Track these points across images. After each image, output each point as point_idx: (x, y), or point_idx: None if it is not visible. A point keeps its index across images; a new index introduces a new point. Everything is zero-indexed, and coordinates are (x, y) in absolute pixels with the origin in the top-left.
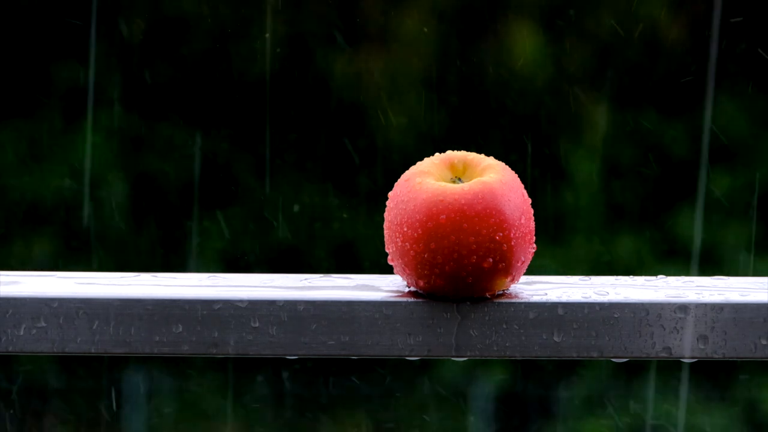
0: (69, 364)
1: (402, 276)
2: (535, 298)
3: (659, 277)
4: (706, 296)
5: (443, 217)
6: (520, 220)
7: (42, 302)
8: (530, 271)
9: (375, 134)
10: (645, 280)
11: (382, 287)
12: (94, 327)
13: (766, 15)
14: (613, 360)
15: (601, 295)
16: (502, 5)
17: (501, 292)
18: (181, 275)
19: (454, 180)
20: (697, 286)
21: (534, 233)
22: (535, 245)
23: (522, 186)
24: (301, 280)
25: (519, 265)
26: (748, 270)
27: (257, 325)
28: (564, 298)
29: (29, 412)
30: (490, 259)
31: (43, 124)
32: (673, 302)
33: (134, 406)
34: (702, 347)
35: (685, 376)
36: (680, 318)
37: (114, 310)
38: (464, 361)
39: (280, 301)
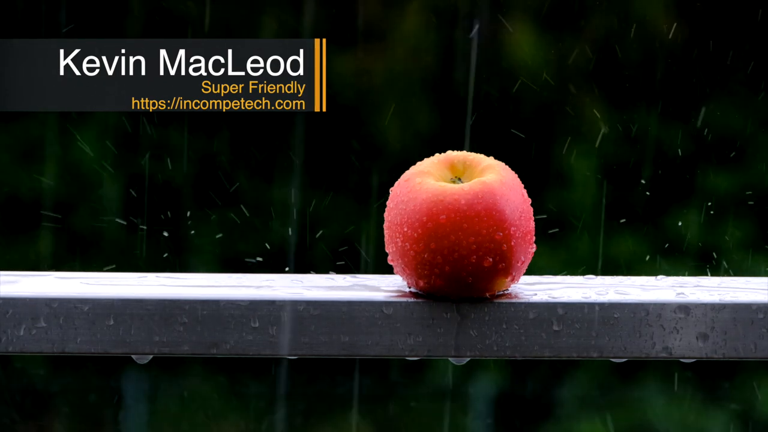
0: (69, 364)
1: (402, 276)
2: (535, 298)
3: (659, 277)
4: (706, 296)
5: (443, 217)
6: (520, 220)
7: (42, 302)
8: (530, 271)
9: (375, 134)
10: (645, 280)
11: (382, 287)
12: (94, 327)
13: (765, 14)
14: (613, 360)
15: (601, 295)
16: (502, 5)
17: (501, 292)
18: (181, 275)
19: (454, 180)
20: (697, 286)
21: (534, 233)
22: (535, 245)
23: (522, 186)
24: (300, 280)
25: (519, 265)
26: (748, 270)
27: (257, 325)
28: (564, 298)
29: (29, 413)
30: (490, 259)
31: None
32: (673, 302)
33: (134, 407)
34: (702, 347)
35: (684, 376)
36: (680, 318)
37: (114, 310)
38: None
39: (280, 301)
